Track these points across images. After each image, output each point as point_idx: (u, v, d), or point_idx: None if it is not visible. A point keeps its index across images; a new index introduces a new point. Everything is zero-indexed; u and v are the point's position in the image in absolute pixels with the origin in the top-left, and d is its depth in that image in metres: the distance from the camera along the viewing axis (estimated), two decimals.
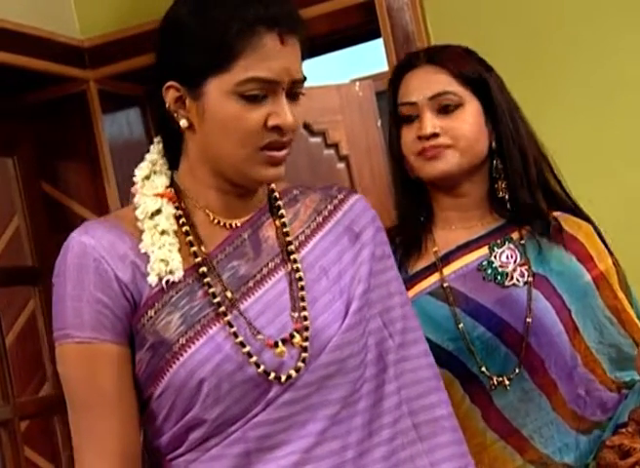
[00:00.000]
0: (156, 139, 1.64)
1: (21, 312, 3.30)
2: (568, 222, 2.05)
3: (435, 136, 1.97)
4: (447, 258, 2.02)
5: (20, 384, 3.22)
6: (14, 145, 3.34)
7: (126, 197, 3.22)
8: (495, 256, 2.01)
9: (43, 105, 3.36)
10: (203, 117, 1.54)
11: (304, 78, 1.55)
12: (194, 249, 1.56)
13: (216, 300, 1.53)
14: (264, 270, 1.58)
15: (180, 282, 1.54)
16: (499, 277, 1.99)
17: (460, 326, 1.94)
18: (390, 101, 2.05)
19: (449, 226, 2.05)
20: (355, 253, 1.62)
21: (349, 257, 1.61)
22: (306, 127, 4.01)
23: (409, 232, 2.05)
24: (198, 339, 1.51)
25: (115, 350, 1.53)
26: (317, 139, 4.04)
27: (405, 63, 2.08)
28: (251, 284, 1.56)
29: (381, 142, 4.12)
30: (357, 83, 4.16)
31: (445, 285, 1.98)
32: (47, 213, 3.38)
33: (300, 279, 1.57)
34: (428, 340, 1.71)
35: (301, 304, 1.55)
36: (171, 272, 1.53)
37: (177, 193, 1.60)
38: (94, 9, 3.41)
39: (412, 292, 1.94)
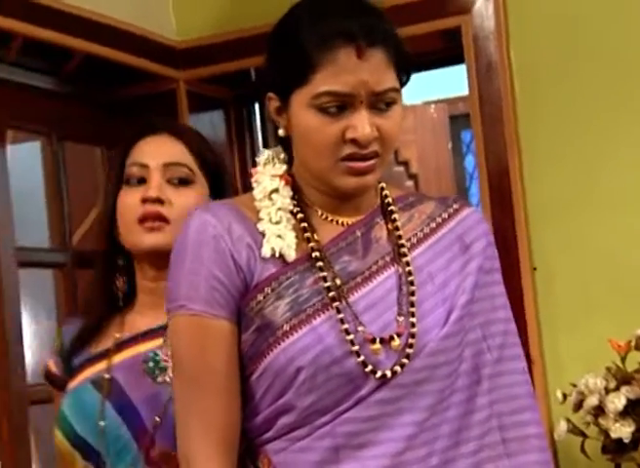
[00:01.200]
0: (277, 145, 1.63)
1: None
2: None
3: (160, 202, 1.76)
4: (121, 346, 1.79)
5: None
6: (103, 135, 3.28)
7: None
8: (165, 349, 1.77)
9: (134, 100, 3.31)
10: (291, 128, 1.52)
11: (393, 88, 1.47)
12: (308, 235, 1.52)
13: (326, 285, 1.48)
14: (373, 268, 1.53)
15: (290, 269, 1.49)
16: (156, 371, 1.77)
17: (102, 423, 1.72)
18: (115, 163, 1.84)
19: (141, 310, 1.82)
20: (463, 264, 1.56)
21: (457, 266, 1.56)
22: None
23: (97, 312, 1.82)
24: (301, 328, 1.47)
25: (226, 326, 1.49)
26: None
27: (143, 128, 1.87)
28: (359, 279, 1.51)
29: (451, 164, 4.08)
30: (432, 105, 4.08)
31: (107, 376, 1.75)
32: None
33: (412, 283, 1.52)
34: (74, 431, 1.75)
35: (410, 309, 1.50)
36: (286, 247, 1.49)
37: (293, 185, 1.57)
38: (191, 13, 3.38)
39: (76, 382, 1.78)
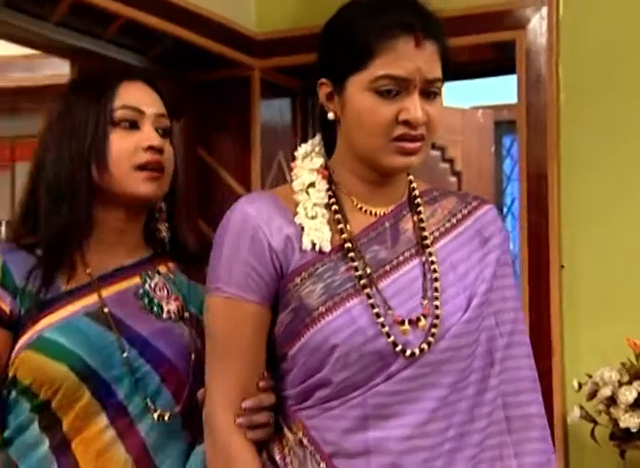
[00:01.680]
0: (318, 137, 1.65)
1: None
2: None
3: (161, 151, 1.69)
4: (103, 281, 1.70)
5: None
6: (182, 112, 3.38)
7: (267, 171, 3.33)
8: (149, 286, 1.74)
9: (212, 82, 3.39)
10: (344, 110, 1.55)
11: (440, 79, 1.53)
12: (341, 226, 1.56)
13: (357, 273, 1.52)
14: (401, 257, 1.57)
15: (325, 256, 1.54)
16: (155, 308, 1.72)
17: (125, 354, 1.64)
18: (92, 103, 1.69)
19: (102, 248, 1.72)
20: (482, 255, 1.60)
21: (477, 258, 1.60)
22: None
23: (62, 247, 1.68)
24: (336, 310, 1.51)
25: (256, 310, 1.54)
26: (436, 153, 4.05)
27: (122, 72, 1.76)
28: (387, 267, 1.55)
29: (492, 166, 4.13)
30: (480, 110, 4.15)
31: (105, 309, 1.66)
32: (199, 173, 3.42)
33: (435, 271, 1.56)
34: (84, 362, 1.61)
35: (434, 294, 1.54)
36: (324, 240, 1.53)
37: (329, 176, 1.60)
38: (271, 7, 3.43)
39: (65, 312, 1.64)
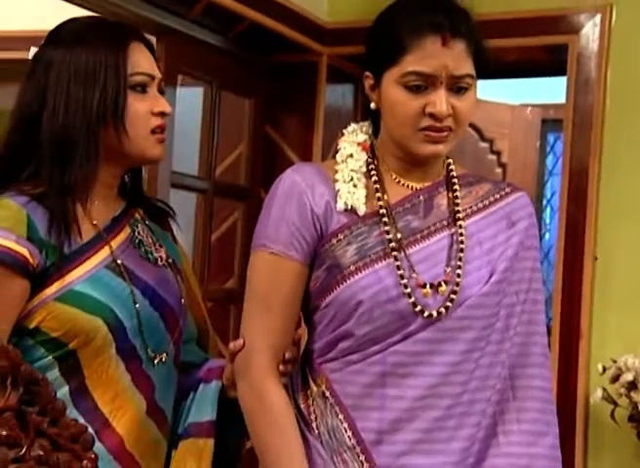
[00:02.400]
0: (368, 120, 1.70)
1: (226, 219, 3.41)
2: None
3: (168, 115, 1.70)
4: (108, 232, 1.68)
5: (213, 275, 3.33)
6: (253, 90, 3.44)
7: (327, 151, 3.38)
8: (137, 233, 1.72)
9: (282, 65, 3.44)
10: (381, 101, 1.60)
11: (469, 74, 1.56)
12: (379, 195, 1.61)
13: (388, 237, 1.57)
14: (432, 228, 1.61)
15: (361, 220, 1.58)
16: (150, 256, 1.72)
17: (137, 306, 1.64)
18: (115, 64, 1.64)
19: (99, 200, 1.69)
20: (508, 237, 1.63)
21: (502, 238, 1.63)
22: (479, 132, 4.06)
23: (74, 201, 1.64)
24: (365, 269, 1.55)
25: (297, 266, 1.59)
26: (485, 144, 4.08)
27: (129, 33, 1.70)
28: (418, 236, 1.60)
29: (536, 160, 4.15)
30: (529, 108, 4.17)
31: (118, 261, 1.65)
32: (264, 148, 3.47)
33: (462, 243, 1.59)
34: (115, 315, 1.60)
35: (458, 263, 1.58)
36: (356, 201, 1.58)
37: (372, 153, 1.65)
38: None
39: (88, 265, 1.62)
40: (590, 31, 3.11)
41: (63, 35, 1.68)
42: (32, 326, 1.59)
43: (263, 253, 1.60)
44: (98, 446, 1.55)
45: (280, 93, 3.47)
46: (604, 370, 2.91)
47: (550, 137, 5.09)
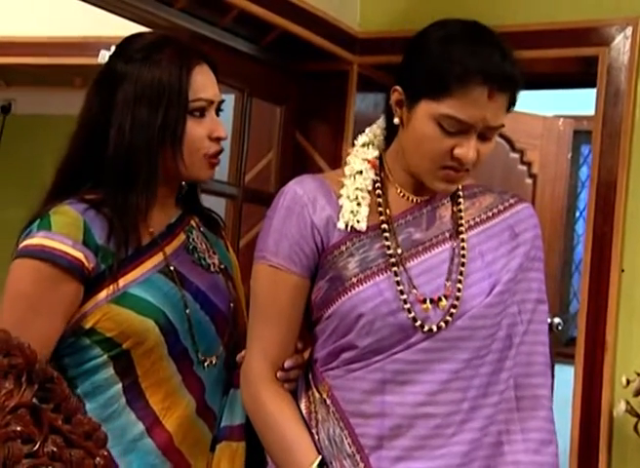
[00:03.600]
0: (381, 120, 1.69)
1: (255, 226, 3.40)
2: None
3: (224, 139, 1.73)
4: (163, 239, 1.73)
5: (241, 280, 3.34)
6: (284, 98, 3.48)
7: None
8: (192, 240, 1.77)
9: (313, 73, 3.46)
10: (408, 125, 1.57)
11: (502, 125, 1.54)
12: (381, 209, 1.61)
13: (389, 252, 1.58)
14: (434, 240, 1.61)
15: (363, 234, 1.59)
16: (202, 262, 1.76)
17: (188, 311, 1.69)
18: (178, 89, 1.67)
19: (156, 208, 1.73)
20: (511, 248, 1.63)
21: (505, 250, 1.63)
22: (509, 143, 4.05)
23: (135, 214, 1.68)
24: (366, 282, 1.56)
25: (296, 280, 1.60)
26: (515, 155, 4.07)
27: (194, 55, 1.73)
28: (420, 248, 1.60)
29: (567, 172, 4.13)
30: (561, 119, 4.15)
31: (171, 267, 1.70)
32: (294, 156, 3.49)
33: (463, 256, 1.60)
34: (167, 318, 1.65)
35: (458, 277, 1.58)
36: (357, 222, 1.58)
37: (380, 165, 1.65)
38: (374, 9, 3.46)
39: (142, 269, 1.67)
40: (621, 43, 3.10)
41: (131, 52, 1.71)
42: (88, 326, 1.65)
43: (264, 266, 1.62)
44: (148, 441, 1.68)
45: (311, 101, 3.49)
46: (628, 382, 2.90)
47: (585, 149, 5.05)
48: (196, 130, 1.70)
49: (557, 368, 3.87)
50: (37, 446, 1.36)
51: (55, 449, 1.38)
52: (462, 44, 1.53)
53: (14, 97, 4.34)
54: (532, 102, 4.16)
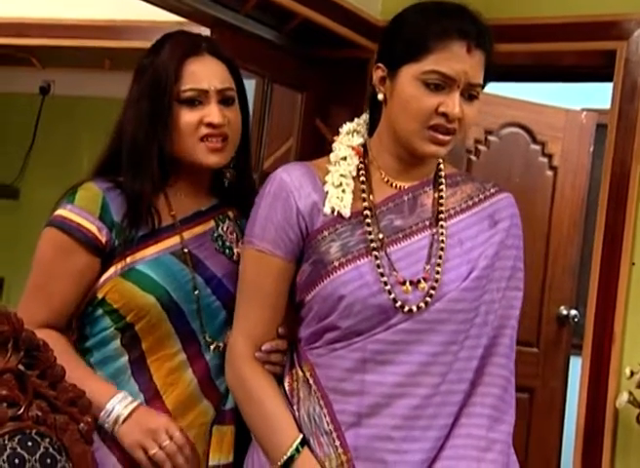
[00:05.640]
0: (366, 113, 1.73)
1: None
2: None
3: (221, 125, 1.76)
4: (185, 223, 1.79)
5: None
6: (305, 85, 3.49)
7: None
8: (221, 229, 1.82)
9: (334, 61, 3.47)
10: (392, 94, 1.61)
11: (480, 84, 1.61)
12: (364, 195, 1.64)
13: (370, 237, 1.61)
14: (414, 227, 1.65)
15: (345, 220, 1.62)
16: (227, 250, 1.81)
17: (197, 292, 1.74)
18: (161, 81, 1.73)
19: (182, 195, 1.81)
20: (489, 236, 1.66)
21: (483, 238, 1.66)
22: (531, 134, 4.03)
23: (144, 201, 1.75)
24: (348, 266, 1.60)
25: (280, 263, 1.64)
26: (536, 147, 4.04)
27: (189, 48, 1.77)
28: (400, 235, 1.64)
29: (589, 165, 4.09)
30: (584, 112, 4.12)
31: (185, 249, 1.76)
32: (314, 142, 3.49)
33: (442, 241, 1.63)
34: (170, 296, 1.71)
35: (437, 261, 1.61)
36: (343, 207, 1.62)
37: (364, 152, 1.68)
38: None
39: (155, 249, 1.75)
40: (639, 38, 3.07)
41: (151, 46, 1.81)
42: (101, 296, 1.75)
43: (251, 250, 1.66)
44: None
45: (331, 88, 3.50)
46: (632, 374, 2.90)
47: None
48: (189, 117, 1.75)
49: (573, 359, 3.89)
50: (22, 409, 1.42)
51: (39, 414, 1.44)
52: (436, 10, 1.62)
53: (52, 79, 4.41)
54: (557, 95, 4.16)
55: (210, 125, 1.75)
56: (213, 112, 1.75)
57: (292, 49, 3.37)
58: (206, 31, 3.19)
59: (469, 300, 1.62)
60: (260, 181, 3.29)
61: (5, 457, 1.37)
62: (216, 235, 1.82)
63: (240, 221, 1.86)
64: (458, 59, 1.57)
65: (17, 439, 1.40)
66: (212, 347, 1.76)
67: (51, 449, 1.43)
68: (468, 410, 1.62)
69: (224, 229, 1.83)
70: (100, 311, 1.75)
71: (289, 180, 1.64)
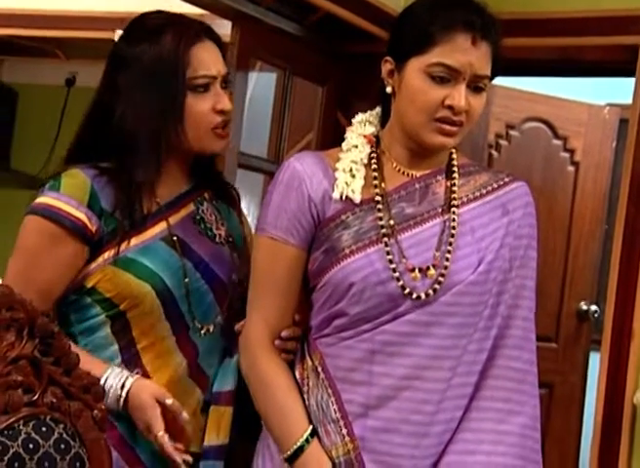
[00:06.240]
0: (378, 107, 1.75)
1: None
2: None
3: (231, 111, 1.76)
4: (170, 208, 1.78)
5: None
6: (326, 78, 3.49)
7: None
8: (201, 211, 1.81)
9: (356, 54, 3.45)
10: (400, 87, 1.63)
11: (487, 76, 1.61)
12: (376, 182, 1.65)
13: (381, 223, 1.62)
14: (425, 215, 1.65)
15: (357, 206, 1.63)
16: (209, 232, 1.81)
17: (186, 280, 1.74)
18: (175, 68, 1.71)
19: (166, 180, 1.78)
20: (501, 225, 1.66)
21: (495, 226, 1.66)
22: (552, 129, 4.02)
23: (148, 186, 1.75)
24: (358, 253, 1.61)
25: (293, 250, 1.66)
26: (558, 142, 4.03)
27: (195, 35, 1.75)
28: (411, 222, 1.64)
29: (611, 160, 4.07)
30: (607, 107, 4.10)
31: (174, 236, 1.75)
32: (334, 135, 3.38)
33: (454, 228, 1.63)
34: (164, 283, 1.70)
35: (447, 248, 1.61)
36: (352, 192, 1.63)
37: (377, 143, 1.69)
38: None
39: (145, 236, 1.73)
40: None
41: (134, 33, 1.77)
42: (90, 285, 1.73)
43: (264, 238, 1.68)
44: None
45: (353, 81, 3.48)
46: None
47: None
48: (199, 105, 1.74)
49: (594, 355, 3.87)
50: (37, 396, 1.44)
51: (54, 400, 1.45)
52: (442, 3, 1.62)
53: (77, 71, 4.44)
54: (581, 90, 4.13)
55: (222, 112, 1.76)
56: (224, 99, 1.76)
57: (313, 42, 3.38)
58: (227, 24, 3.22)
59: (477, 294, 1.62)
60: None
61: (20, 442, 1.39)
62: (198, 218, 1.81)
63: (216, 203, 1.86)
64: (463, 51, 1.58)
65: (31, 424, 1.41)
66: (202, 331, 1.77)
67: (65, 435, 1.45)
68: (478, 404, 1.62)
69: (204, 211, 1.82)
70: (87, 300, 1.74)
71: (301, 169, 1.65)
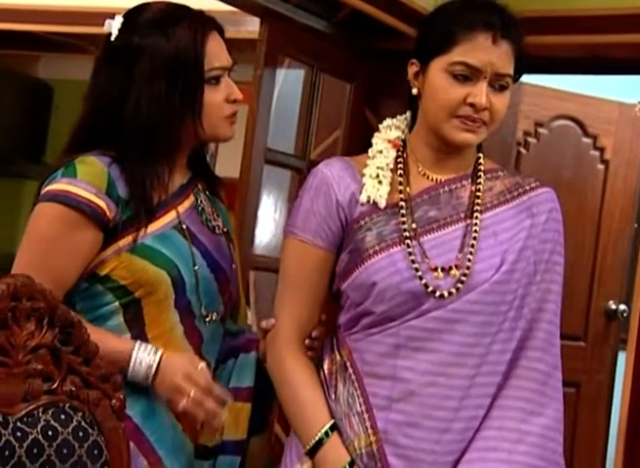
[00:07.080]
0: (408, 112, 1.76)
1: None
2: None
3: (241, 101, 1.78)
4: (176, 198, 1.78)
5: None
6: (355, 75, 3.51)
7: None
8: (200, 202, 1.82)
9: (384, 52, 3.46)
10: (424, 88, 1.67)
11: (509, 75, 1.63)
12: (401, 187, 1.68)
13: (403, 227, 1.65)
14: (448, 219, 1.67)
15: (381, 210, 1.67)
16: (209, 223, 1.82)
17: (196, 267, 1.75)
18: (195, 61, 1.72)
19: (172, 170, 1.78)
20: (523, 227, 1.67)
21: (518, 229, 1.67)
22: (582, 127, 3.99)
23: (163, 176, 1.75)
24: (381, 253, 1.65)
25: (321, 253, 1.70)
26: (588, 140, 4.01)
27: (206, 27, 1.75)
28: (434, 225, 1.67)
29: None
30: (638, 105, 4.05)
31: (183, 224, 1.76)
32: (362, 133, 3.49)
33: (476, 231, 1.65)
34: (179, 271, 1.72)
35: (470, 250, 1.63)
36: (379, 197, 1.66)
37: (403, 147, 1.72)
38: None
39: (158, 224, 1.74)
40: None
41: (145, 24, 1.74)
42: (103, 273, 1.72)
43: (293, 240, 1.72)
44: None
45: (381, 78, 3.50)
46: None
47: None
48: (214, 96, 1.76)
49: (622, 355, 3.84)
50: (56, 384, 1.46)
51: (73, 389, 1.48)
52: (464, 4, 1.67)
53: None
54: (612, 88, 4.10)
55: (235, 101, 1.78)
56: (235, 89, 1.78)
57: (341, 39, 3.40)
58: (256, 21, 3.25)
59: (500, 293, 1.63)
60: (307, 171, 3.37)
61: (39, 429, 1.41)
62: (199, 209, 1.83)
63: (208, 194, 1.87)
64: (484, 50, 1.61)
65: (50, 412, 1.44)
66: (207, 319, 1.78)
67: (83, 423, 1.47)
68: (500, 403, 1.63)
69: (203, 202, 1.84)
70: (99, 288, 1.73)
71: (329, 175, 1.69)
